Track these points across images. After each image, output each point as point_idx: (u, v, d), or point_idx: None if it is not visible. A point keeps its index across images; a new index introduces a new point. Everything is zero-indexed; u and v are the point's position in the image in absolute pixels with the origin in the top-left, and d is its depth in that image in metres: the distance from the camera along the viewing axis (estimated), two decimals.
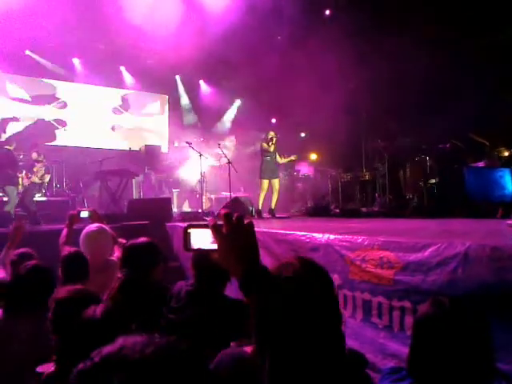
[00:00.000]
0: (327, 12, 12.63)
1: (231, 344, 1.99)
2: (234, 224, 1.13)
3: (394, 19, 9.81)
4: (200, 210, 10.18)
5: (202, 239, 1.20)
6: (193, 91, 15.00)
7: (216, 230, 1.14)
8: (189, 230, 1.21)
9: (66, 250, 3.81)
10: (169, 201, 9.12)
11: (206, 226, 1.19)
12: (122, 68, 14.06)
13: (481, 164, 8.42)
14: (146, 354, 0.71)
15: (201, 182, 10.80)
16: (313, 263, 1.54)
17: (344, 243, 3.86)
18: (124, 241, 4.34)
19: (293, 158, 9.73)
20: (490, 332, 1.43)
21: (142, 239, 2.87)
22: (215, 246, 1.15)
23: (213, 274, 2.18)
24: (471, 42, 9.35)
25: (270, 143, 9.14)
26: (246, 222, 1.16)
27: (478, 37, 9.33)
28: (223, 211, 1.17)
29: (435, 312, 1.48)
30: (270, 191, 9.24)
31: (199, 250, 1.23)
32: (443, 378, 1.37)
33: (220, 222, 1.15)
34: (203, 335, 1.58)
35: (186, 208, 11.66)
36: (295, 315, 1.16)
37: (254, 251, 1.15)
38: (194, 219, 8.65)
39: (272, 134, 9.23)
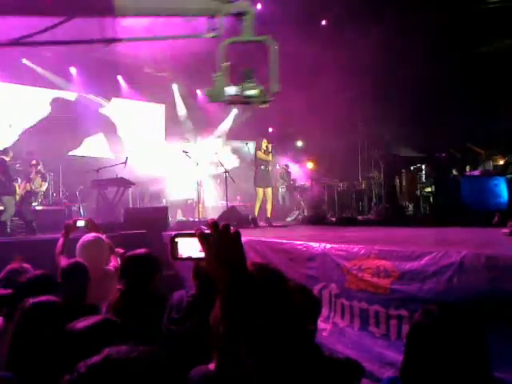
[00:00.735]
0: (323, 22, 12.73)
1: None
2: (221, 233, 1.14)
3: (393, 28, 9.88)
4: (197, 219, 10.19)
5: (190, 248, 1.20)
6: (190, 100, 15.02)
7: (203, 239, 1.14)
8: (176, 239, 1.22)
9: (63, 260, 3.81)
10: (165, 210, 9.11)
11: (193, 235, 1.19)
12: (119, 77, 14.10)
13: (476, 173, 8.48)
14: (130, 357, 0.76)
15: (197, 190, 10.81)
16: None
17: (340, 252, 3.88)
18: (121, 250, 4.34)
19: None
20: (485, 338, 1.41)
21: (141, 250, 2.87)
22: (203, 255, 1.16)
23: (214, 285, 2.18)
24: (469, 53, 9.43)
25: (267, 152, 9.15)
26: (232, 230, 1.16)
27: (475, 48, 9.43)
28: (210, 220, 1.17)
29: (425, 320, 1.48)
30: (264, 199, 9.24)
31: (187, 259, 1.23)
32: None
33: (207, 231, 1.16)
34: (204, 346, 1.58)
35: (180, 217, 11.64)
36: (277, 320, 1.17)
37: (240, 260, 1.15)
38: (191, 228, 8.65)
39: (265, 142, 9.23)
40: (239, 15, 3.27)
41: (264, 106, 3.30)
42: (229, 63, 3.17)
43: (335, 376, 1.26)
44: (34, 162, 9.28)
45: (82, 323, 1.80)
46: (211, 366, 1.47)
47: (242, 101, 3.24)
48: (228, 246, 1.13)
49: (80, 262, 3.24)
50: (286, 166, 12.73)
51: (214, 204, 12.60)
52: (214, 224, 1.14)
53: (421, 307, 3.01)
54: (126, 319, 2.26)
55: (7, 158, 8.59)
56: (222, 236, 1.13)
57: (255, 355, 1.12)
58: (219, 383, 1.26)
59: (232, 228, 1.16)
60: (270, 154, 9.19)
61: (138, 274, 2.65)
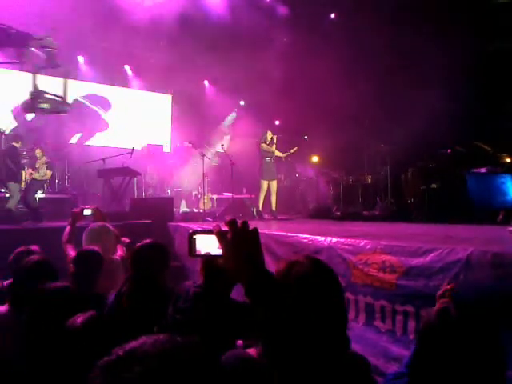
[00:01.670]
0: (332, 15, 12.68)
1: (238, 343, 2.01)
2: (239, 230, 1.13)
3: (400, 21, 9.83)
4: (201, 210, 10.21)
5: (207, 245, 1.20)
6: (197, 91, 14.99)
7: (221, 237, 1.14)
8: (194, 236, 1.22)
9: (70, 249, 3.83)
10: (171, 200, 9.14)
11: (210, 232, 1.19)
12: (127, 67, 14.09)
13: (483, 170, 8.43)
14: (166, 348, 0.76)
15: (203, 182, 10.83)
16: (322, 263, 1.55)
17: (346, 247, 3.88)
18: (127, 240, 4.35)
19: (292, 151, 9.59)
20: (500, 339, 1.37)
21: (151, 241, 2.89)
22: (220, 252, 1.16)
23: (222, 277, 2.19)
24: (478, 50, 9.36)
25: (271, 144, 9.13)
26: (250, 228, 1.16)
27: (485, 44, 9.36)
28: (228, 218, 1.16)
29: (441, 320, 1.45)
30: (269, 193, 9.24)
31: (204, 256, 1.24)
32: None
33: (225, 228, 1.15)
34: (209, 336, 1.59)
35: (184, 208, 11.65)
36: (305, 317, 1.17)
37: (258, 258, 1.15)
38: (196, 219, 8.68)
39: (270, 134, 9.21)
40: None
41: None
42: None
43: (345, 371, 1.26)
44: (38, 150, 9.30)
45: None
46: (252, 351, 1.42)
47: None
48: (246, 244, 1.13)
49: (97, 250, 3.25)
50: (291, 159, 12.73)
51: (218, 195, 12.61)
52: (232, 221, 1.14)
53: (427, 303, 3.05)
54: (137, 309, 2.29)
55: (17, 145, 8.63)
56: (240, 234, 1.13)
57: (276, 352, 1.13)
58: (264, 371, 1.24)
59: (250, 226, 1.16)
60: (274, 146, 9.17)
61: (148, 265, 2.66)
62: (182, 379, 0.74)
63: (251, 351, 1.45)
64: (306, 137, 14.21)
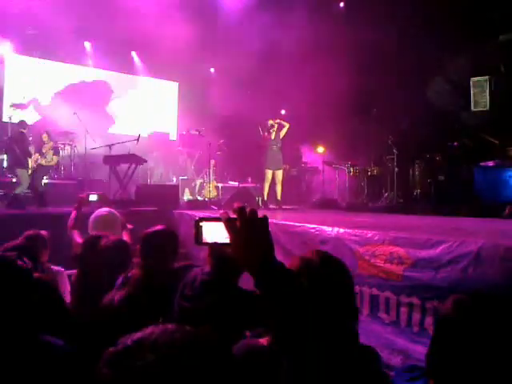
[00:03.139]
0: (341, 4, 12.55)
1: (247, 334, 2.00)
2: (248, 218, 1.08)
3: (407, 9, 9.74)
4: (206, 199, 10.20)
5: (214, 233, 1.15)
6: (203, 79, 14.91)
7: (229, 224, 1.09)
8: (201, 224, 1.16)
9: (76, 234, 3.82)
10: (176, 188, 9.13)
11: (218, 220, 1.13)
12: (134, 53, 14.02)
13: (490, 163, 8.37)
14: (176, 337, 0.75)
15: (208, 170, 10.81)
16: (333, 258, 1.54)
17: (354, 237, 3.86)
18: (131, 226, 4.34)
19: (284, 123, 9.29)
20: None
21: (161, 227, 2.87)
22: (228, 241, 1.11)
23: (230, 264, 2.18)
24: (486, 42, 9.25)
25: (271, 130, 9.06)
26: (260, 215, 1.11)
27: (494, 36, 9.24)
28: (237, 204, 1.11)
29: (456, 313, 1.42)
30: (274, 182, 9.20)
31: (211, 244, 1.19)
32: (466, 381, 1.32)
33: (233, 216, 1.10)
34: (217, 324, 1.58)
35: (188, 196, 11.63)
36: (316, 310, 1.14)
37: (268, 247, 1.10)
38: (201, 207, 8.67)
39: (271, 121, 9.14)
40: None
41: None
42: None
43: (356, 364, 1.25)
44: (45, 134, 9.30)
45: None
46: (263, 341, 1.42)
47: None
48: (255, 233, 1.08)
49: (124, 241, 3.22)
50: (297, 148, 12.69)
51: (223, 184, 12.58)
52: (240, 209, 1.09)
53: (433, 296, 3.03)
54: (146, 295, 2.28)
55: (24, 131, 8.64)
56: (249, 222, 1.08)
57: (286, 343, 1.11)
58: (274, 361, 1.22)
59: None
60: (274, 133, 9.09)
61: (159, 251, 2.65)
62: (197, 367, 0.73)
63: (263, 341, 1.44)
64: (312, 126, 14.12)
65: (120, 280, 2.52)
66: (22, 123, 8.81)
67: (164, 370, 0.70)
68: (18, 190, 8.21)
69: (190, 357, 0.73)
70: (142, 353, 0.71)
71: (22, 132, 8.60)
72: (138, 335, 0.76)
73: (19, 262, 1.69)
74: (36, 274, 2.27)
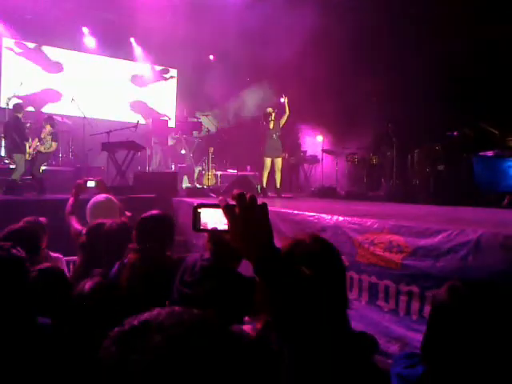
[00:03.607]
0: None
1: (245, 319, 2.00)
2: (247, 205, 1.05)
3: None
4: (205, 186, 10.19)
5: (213, 219, 1.13)
6: (202, 66, 14.81)
7: (228, 211, 1.06)
8: (199, 210, 1.14)
9: (74, 221, 3.79)
10: (175, 175, 9.10)
11: (216, 206, 1.11)
12: (132, 40, 13.91)
13: (490, 153, 8.34)
14: (182, 319, 0.76)
15: (207, 157, 10.79)
16: (324, 241, 1.54)
17: (353, 225, 3.85)
18: (129, 213, 4.31)
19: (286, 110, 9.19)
20: None
21: (157, 212, 2.84)
22: (226, 227, 1.08)
23: (229, 251, 2.16)
24: (485, 32, 9.18)
25: (270, 118, 9.02)
26: (259, 202, 1.09)
27: (492, 26, 9.16)
28: (236, 191, 1.08)
29: (451, 300, 1.43)
30: (273, 170, 9.18)
31: (209, 231, 1.17)
32: (461, 368, 1.32)
33: (232, 203, 1.08)
34: (216, 310, 1.57)
35: (186, 183, 11.61)
36: (309, 295, 1.13)
37: (268, 234, 1.07)
38: (199, 195, 8.66)
39: (270, 109, 9.10)
40: None
41: None
42: None
43: (355, 350, 1.24)
44: (44, 122, 9.26)
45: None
46: (247, 328, 1.42)
47: None
48: (255, 220, 1.05)
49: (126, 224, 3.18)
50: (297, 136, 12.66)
51: (222, 172, 12.56)
52: (240, 195, 1.06)
53: (433, 284, 3.03)
54: (143, 280, 2.27)
55: (20, 115, 8.57)
56: (248, 208, 1.05)
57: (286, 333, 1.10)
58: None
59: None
60: (272, 122, 9.05)
61: (157, 235, 2.63)
62: (204, 348, 0.73)
63: (247, 328, 1.44)
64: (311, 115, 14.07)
65: (116, 266, 2.50)
66: (17, 107, 8.72)
67: (171, 350, 0.71)
68: (15, 176, 8.17)
69: (197, 338, 0.74)
70: (149, 333, 0.72)
71: (17, 116, 8.54)
72: (144, 316, 0.76)
73: (13, 251, 1.70)
74: (46, 264, 2.30)
